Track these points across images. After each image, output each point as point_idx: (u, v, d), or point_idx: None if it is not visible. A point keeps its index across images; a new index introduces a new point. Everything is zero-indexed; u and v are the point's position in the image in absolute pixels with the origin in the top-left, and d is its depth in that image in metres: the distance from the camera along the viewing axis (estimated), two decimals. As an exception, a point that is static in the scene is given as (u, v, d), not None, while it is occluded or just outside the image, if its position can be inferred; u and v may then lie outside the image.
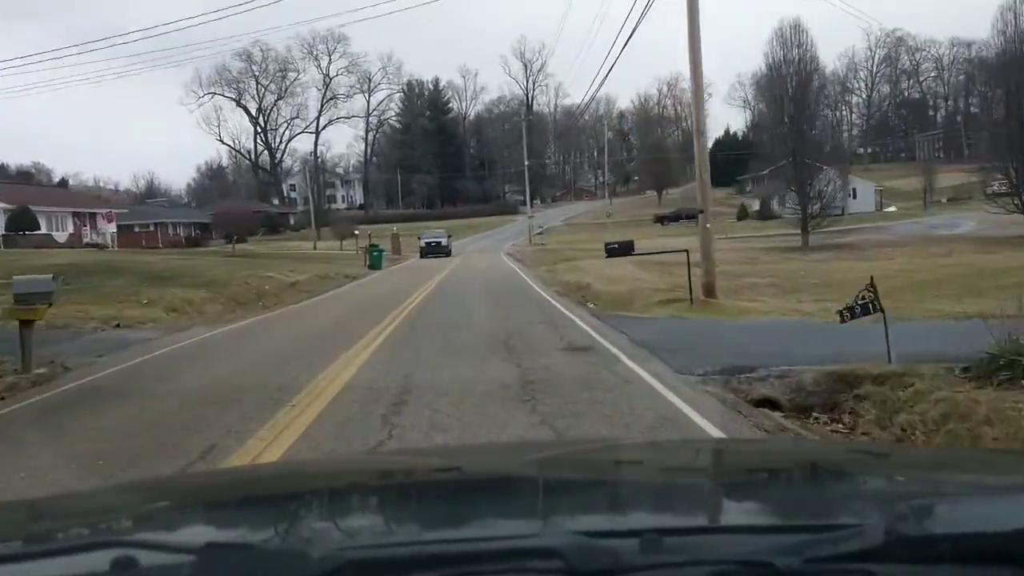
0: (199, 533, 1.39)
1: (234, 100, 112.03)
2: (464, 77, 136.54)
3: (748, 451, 2.60)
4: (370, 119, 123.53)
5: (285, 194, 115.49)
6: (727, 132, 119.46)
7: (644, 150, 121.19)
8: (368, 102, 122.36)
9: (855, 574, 1.04)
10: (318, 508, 1.67)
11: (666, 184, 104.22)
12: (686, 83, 57.14)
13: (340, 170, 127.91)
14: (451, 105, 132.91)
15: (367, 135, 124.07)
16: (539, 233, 64.48)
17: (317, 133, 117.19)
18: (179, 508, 1.69)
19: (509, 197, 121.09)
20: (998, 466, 1.95)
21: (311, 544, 1.24)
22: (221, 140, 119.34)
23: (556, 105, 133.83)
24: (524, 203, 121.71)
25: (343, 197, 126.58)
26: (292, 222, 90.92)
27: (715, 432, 6.36)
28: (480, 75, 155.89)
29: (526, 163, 70.36)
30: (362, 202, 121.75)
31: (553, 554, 1.05)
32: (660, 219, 77.87)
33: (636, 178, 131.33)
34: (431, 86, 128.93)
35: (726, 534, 1.30)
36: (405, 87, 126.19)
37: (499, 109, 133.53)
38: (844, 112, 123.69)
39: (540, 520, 1.48)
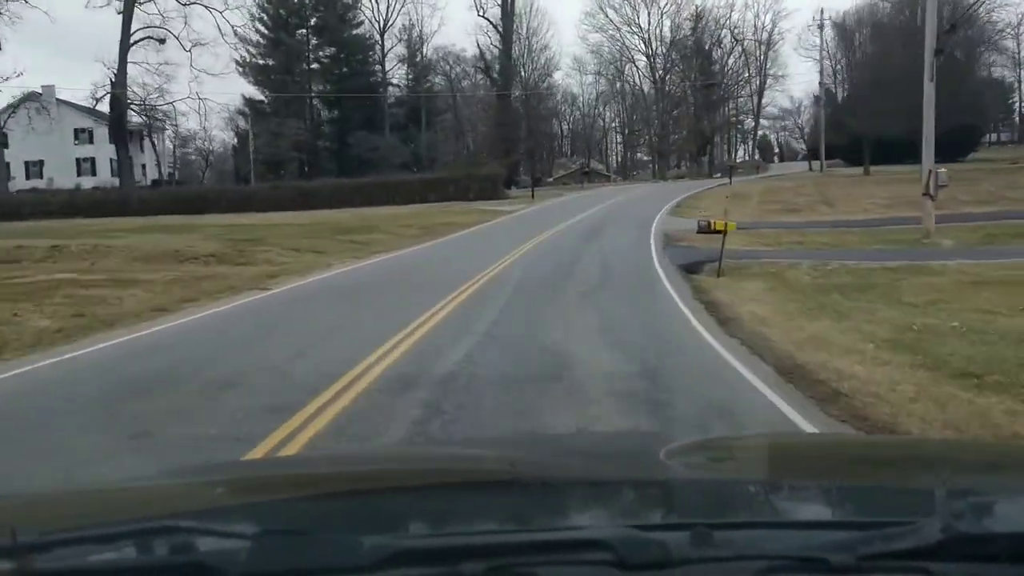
0: (255, 520, 1.37)
1: None
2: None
3: (799, 446, 2.53)
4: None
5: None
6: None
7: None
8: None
9: (910, 572, 1.02)
10: (370, 498, 1.64)
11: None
12: None
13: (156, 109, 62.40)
14: (360, 15, 72.66)
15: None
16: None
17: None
18: (235, 495, 1.70)
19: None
20: None
21: (363, 533, 1.21)
22: None
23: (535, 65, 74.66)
24: (518, 179, 67.03)
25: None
26: None
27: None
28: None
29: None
30: (170, 174, 58.83)
31: (603, 546, 1.04)
32: None
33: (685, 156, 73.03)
34: (322, -30, 69.09)
35: (778, 529, 1.25)
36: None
37: (447, 66, 74.03)
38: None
39: (590, 512, 1.47)
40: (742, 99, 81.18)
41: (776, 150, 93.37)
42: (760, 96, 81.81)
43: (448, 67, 75.07)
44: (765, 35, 77.58)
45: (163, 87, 51.32)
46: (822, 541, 1.07)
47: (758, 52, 78.80)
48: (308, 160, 70.32)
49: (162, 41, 49.56)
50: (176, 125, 63.77)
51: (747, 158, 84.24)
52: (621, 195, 43.90)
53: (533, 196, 47.44)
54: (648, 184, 61.27)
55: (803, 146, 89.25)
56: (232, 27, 65.35)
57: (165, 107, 49.82)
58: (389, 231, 27.10)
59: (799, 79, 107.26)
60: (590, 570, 1.04)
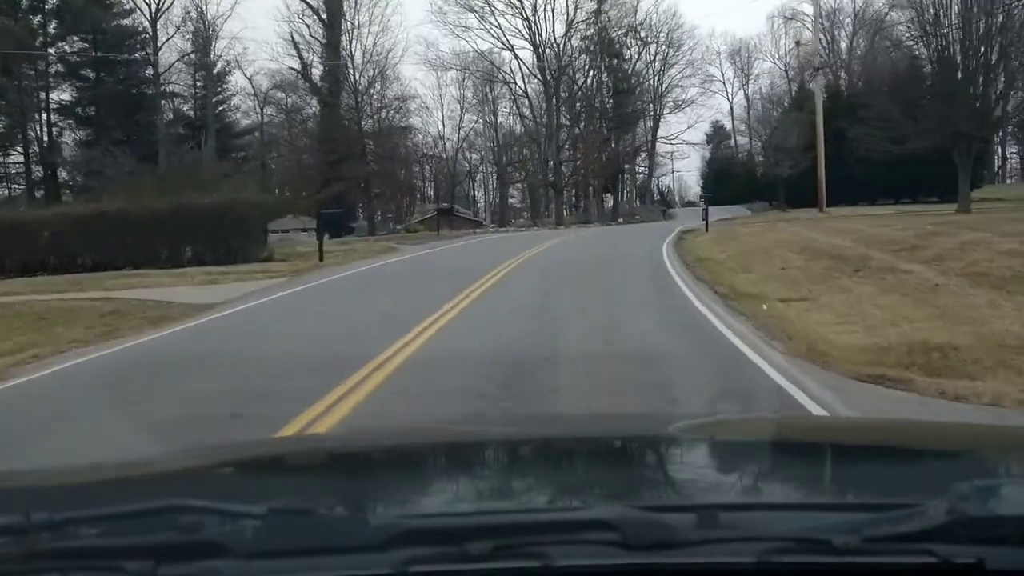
0: (262, 499, 1.36)
1: None
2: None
3: (805, 428, 2.54)
4: None
5: None
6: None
7: None
8: None
9: (915, 554, 1.01)
10: (376, 478, 1.67)
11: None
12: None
13: None
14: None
15: None
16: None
17: None
18: (243, 475, 1.70)
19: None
20: None
21: (369, 513, 1.25)
22: None
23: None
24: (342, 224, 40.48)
25: None
26: None
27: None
28: None
29: None
30: None
31: (609, 526, 1.05)
32: None
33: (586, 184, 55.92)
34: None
35: (783, 511, 1.26)
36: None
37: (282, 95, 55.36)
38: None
39: (596, 492, 1.46)
40: (637, 132, 65.00)
41: (657, 196, 76.43)
42: (656, 129, 66.27)
43: (283, 95, 54.70)
44: (660, 56, 61.88)
45: None
46: (827, 523, 1.07)
47: (652, 78, 63.09)
48: (46, 192, 48.76)
49: None
50: None
51: (638, 203, 67.91)
52: (514, 258, 21.52)
53: (322, 258, 24.02)
54: (546, 233, 39.39)
55: (699, 190, 73.65)
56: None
57: None
58: None
59: (697, 114, 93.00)
60: (596, 550, 1.04)
